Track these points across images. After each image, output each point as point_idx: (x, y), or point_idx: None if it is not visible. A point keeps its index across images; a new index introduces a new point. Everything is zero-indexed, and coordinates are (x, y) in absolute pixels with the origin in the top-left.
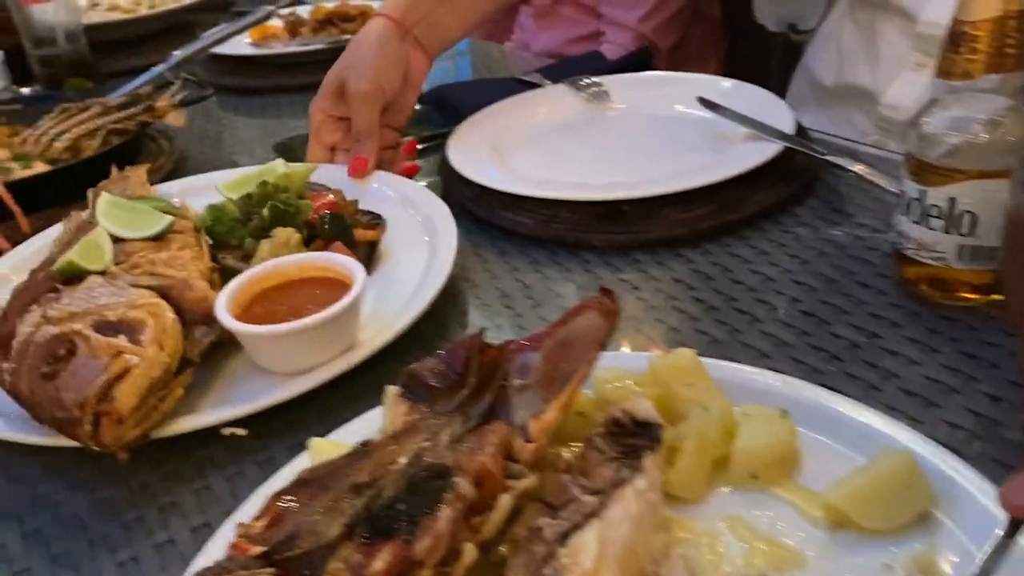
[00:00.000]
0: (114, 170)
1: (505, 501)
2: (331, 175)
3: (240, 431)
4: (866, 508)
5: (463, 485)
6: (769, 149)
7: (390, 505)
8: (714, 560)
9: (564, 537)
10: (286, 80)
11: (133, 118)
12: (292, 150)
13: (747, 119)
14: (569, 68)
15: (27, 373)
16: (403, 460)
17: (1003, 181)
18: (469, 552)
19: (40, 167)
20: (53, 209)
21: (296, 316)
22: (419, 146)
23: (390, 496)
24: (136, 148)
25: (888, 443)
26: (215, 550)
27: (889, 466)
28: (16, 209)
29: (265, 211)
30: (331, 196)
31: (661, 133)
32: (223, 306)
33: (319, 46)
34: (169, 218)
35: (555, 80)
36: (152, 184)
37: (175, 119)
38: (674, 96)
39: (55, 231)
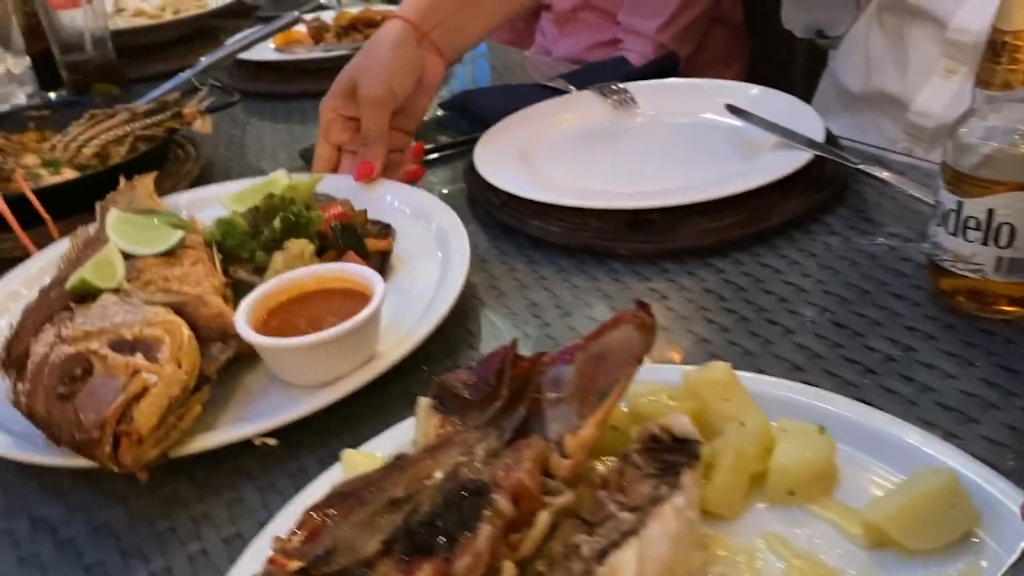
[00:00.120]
0: (122, 181)
1: (544, 519)
2: (336, 185)
3: (271, 441)
4: (907, 527)
5: (501, 502)
6: (799, 157)
7: (428, 521)
8: None
9: (602, 555)
10: (310, 85)
11: (161, 125)
12: None
13: (777, 127)
14: (594, 74)
15: (43, 394)
16: (439, 475)
17: None
18: (508, 570)
19: (69, 173)
20: (82, 215)
21: (316, 328)
22: (442, 153)
23: (427, 512)
24: (163, 155)
25: (929, 460)
26: (249, 562)
27: (931, 485)
28: (46, 216)
29: (276, 223)
30: (339, 207)
31: (689, 140)
32: (243, 320)
33: (343, 52)
34: (180, 233)
35: (579, 86)
36: (181, 190)
37: (202, 126)
38: (701, 103)
39: (62, 246)
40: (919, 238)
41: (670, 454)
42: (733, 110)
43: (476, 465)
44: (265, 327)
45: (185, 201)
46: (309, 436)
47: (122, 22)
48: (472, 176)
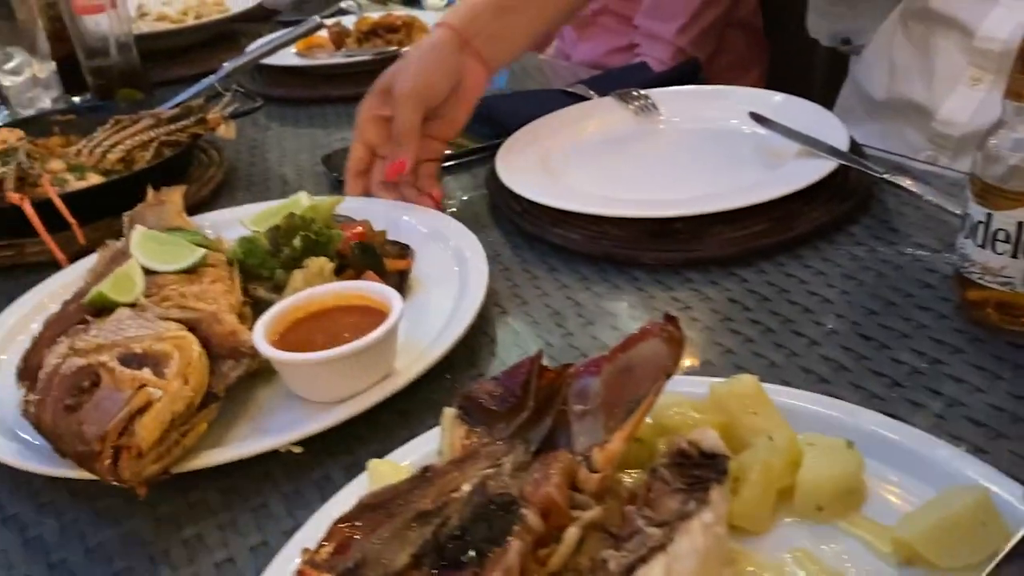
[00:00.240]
0: (150, 192)
1: (572, 534)
2: (356, 207)
3: (297, 449)
4: (939, 546)
5: (531, 517)
6: (824, 166)
7: (457, 535)
8: None
9: (630, 570)
10: (331, 91)
11: (185, 130)
12: (337, 162)
13: (801, 135)
14: (614, 80)
15: (51, 405)
16: (466, 488)
17: None
18: None
19: (94, 178)
20: (107, 220)
21: (333, 344)
22: (463, 159)
23: (456, 526)
24: (187, 160)
25: (959, 477)
26: (276, 572)
27: (963, 503)
28: (72, 221)
29: (297, 241)
30: (359, 227)
31: (711, 148)
32: (260, 335)
33: (364, 57)
34: (202, 251)
35: (601, 92)
36: (204, 195)
37: (226, 131)
38: (724, 110)
39: (91, 261)
40: (945, 249)
41: (698, 469)
42: (756, 118)
43: (504, 478)
44: (283, 342)
45: (211, 221)
46: (334, 444)
47: (144, 26)
48: (494, 183)
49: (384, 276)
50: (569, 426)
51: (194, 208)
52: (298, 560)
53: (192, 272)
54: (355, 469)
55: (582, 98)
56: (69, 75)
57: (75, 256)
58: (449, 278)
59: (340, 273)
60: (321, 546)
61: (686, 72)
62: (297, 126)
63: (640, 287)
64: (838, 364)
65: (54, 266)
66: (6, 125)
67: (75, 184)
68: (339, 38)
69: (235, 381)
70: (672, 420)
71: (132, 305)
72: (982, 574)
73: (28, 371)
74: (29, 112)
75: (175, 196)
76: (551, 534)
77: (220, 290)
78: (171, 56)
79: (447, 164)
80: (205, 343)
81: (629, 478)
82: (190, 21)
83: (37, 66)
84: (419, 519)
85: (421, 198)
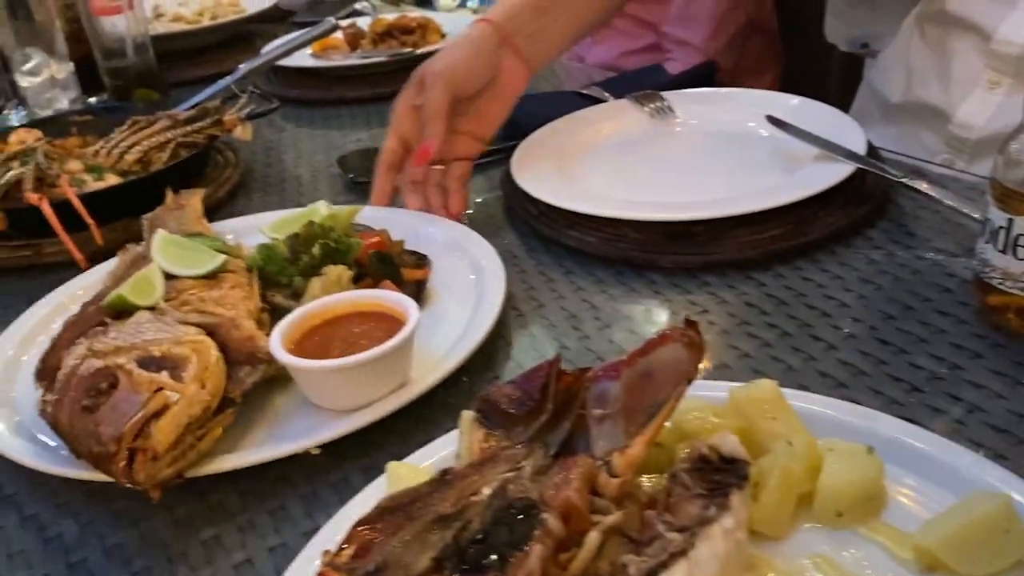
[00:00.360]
0: (169, 195)
1: (593, 539)
2: (374, 216)
3: (315, 451)
4: (961, 553)
5: (552, 521)
6: (842, 170)
7: (478, 539)
8: None
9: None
10: (346, 92)
11: (202, 131)
12: (352, 163)
13: (819, 139)
14: (629, 82)
15: (68, 405)
16: (486, 491)
17: None
18: None
19: (112, 179)
20: (124, 221)
21: (349, 352)
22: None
23: (477, 529)
24: (204, 161)
25: (980, 483)
26: (296, 574)
27: (985, 510)
28: (90, 221)
29: (315, 249)
30: (377, 236)
31: (728, 151)
32: (277, 341)
33: (379, 58)
34: (222, 257)
35: (615, 94)
36: (221, 197)
37: (243, 132)
38: (740, 113)
39: (111, 264)
40: (963, 253)
41: (719, 474)
42: (774, 121)
43: (524, 482)
44: (299, 349)
45: (231, 227)
46: (351, 447)
47: (160, 27)
48: (509, 185)
49: (401, 285)
50: (588, 430)
51: (211, 208)
52: (318, 562)
53: (212, 277)
54: (373, 472)
55: (597, 100)
56: (86, 76)
57: (92, 256)
58: (466, 289)
59: (358, 282)
60: (341, 549)
61: (702, 74)
62: (312, 127)
63: (657, 290)
64: (856, 369)
65: (72, 266)
66: (24, 126)
67: (93, 185)
68: (354, 39)
69: (251, 387)
70: (691, 424)
71: (151, 308)
72: None
73: (46, 372)
74: (47, 113)
75: (194, 200)
76: (571, 538)
77: (239, 296)
78: (187, 57)
79: None
80: (223, 348)
81: (648, 482)
82: (206, 22)
83: (55, 67)
84: (439, 522)
85: (442, 208)
